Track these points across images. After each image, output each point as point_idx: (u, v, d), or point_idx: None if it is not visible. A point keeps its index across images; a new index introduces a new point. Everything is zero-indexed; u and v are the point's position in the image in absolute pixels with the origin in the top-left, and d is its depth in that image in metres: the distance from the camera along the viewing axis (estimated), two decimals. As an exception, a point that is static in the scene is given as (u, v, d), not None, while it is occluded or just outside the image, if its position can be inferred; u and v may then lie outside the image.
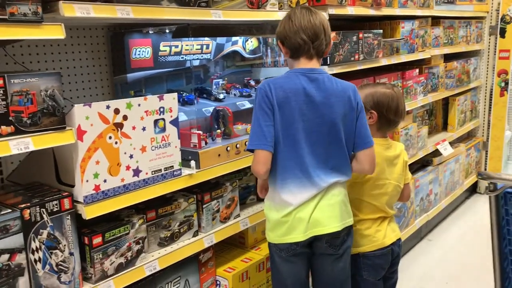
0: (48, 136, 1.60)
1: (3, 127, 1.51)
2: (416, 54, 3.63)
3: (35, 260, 1.61)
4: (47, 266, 1.65)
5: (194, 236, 2.22)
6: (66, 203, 1.68)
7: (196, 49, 2.57)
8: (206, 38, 2.58)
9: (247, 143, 2.30)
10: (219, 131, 2.36)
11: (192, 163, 2.10)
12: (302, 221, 1.93)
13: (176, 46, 2.50)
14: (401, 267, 2.42)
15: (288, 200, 1.93)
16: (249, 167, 2.47)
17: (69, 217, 1.70)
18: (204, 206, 2.24)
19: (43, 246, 1.63)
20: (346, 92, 1.95)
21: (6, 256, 1.53)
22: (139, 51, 2.44)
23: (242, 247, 2.66)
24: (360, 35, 2.94)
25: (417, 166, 4.08)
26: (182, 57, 2.53)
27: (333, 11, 2.63)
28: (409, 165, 3.69)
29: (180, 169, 2.05)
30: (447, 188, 4.37)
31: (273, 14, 2.46)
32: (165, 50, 2.48)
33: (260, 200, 2.61)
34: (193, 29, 2.26)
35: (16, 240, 1.56)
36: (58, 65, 2.23)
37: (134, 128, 1.86)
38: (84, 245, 1.78)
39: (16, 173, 2.02)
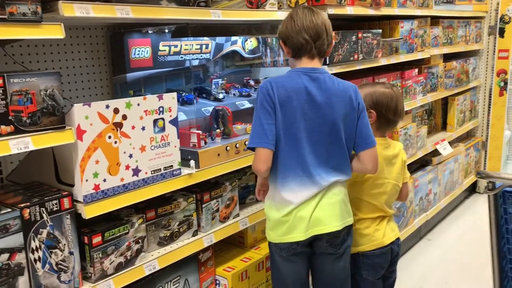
0: (48, 135, 1.61)
1: (2, 126, 1.51)
2: (415, 54, 3.63)
3: (35, 260, 1.62)
4: (47, 266, 1.66)
5: (193, 235, 2.22)
6: (66, 202, 1.69)
7: (196, 49, 2.57)
8: (206, 38, 2.59)
9: (246, 142, 2.31)
10: (218, 130, 2.36)
11: (192, 162, 2.10)
12: (303, 220, 1.93)
13: (176, 46, 2.50)
14: (400, 266, 2.43)
15: (289, 198, 1.93)
16: (248, 167, 2.48)
17: (68, 216, 1.70)
18: (203, 205, 2.24)
19: (43, 246, 1.63)
20: (347, 92, 1.95)
21: (6, 255, 1.54)
22: (139, 51, 2.44)
23: (242, 247, 2.66)
24: (359, 35, 2.95)
25: (417, 166, 4.08)
26: (181, 57, 2.54)
27: (332, 11, 2.63)
28: (409, 164, 3.71)
29: (179, 169, 2.06)
30: (446, 188, 4.38)
31: (273, 13, 2.46)
32: (165, 50, 2.49)
33: (259, 200, 2.61)
34: (193, 29, 2.26)
35: (16, 240, 1.56)
36: (57, 64, 2.24)
37: (133, 127, 1.86)
38: (84, 244, 1.78)
39: (15, 172, 2.02)
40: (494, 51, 4.85)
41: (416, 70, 3.72)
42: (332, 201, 1.97)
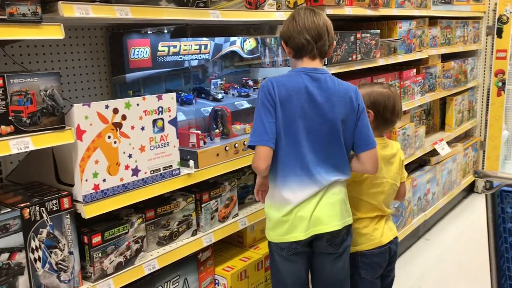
0: (48, 135, 1.61)
1: (2, 126, 1.52)
2: (413, 54, 3.64)
3: (34, 259, 1.62)
4: (47, 265, 1.66)
5: (192, 235, 2.23)
6: (66, 202, 1.69)
7: (195, 49, 2.58)
8: (205, 38, 2.59)
9: (245, 142, 2.32)
10: (217, 130, 2.37)
11: (191, 162, 2.11)
12: (303, 219, 1.94)
13: (175, 46, 2.51)
14: (398, 266, 2.44)
15: (288, 197, 1.94)
16: (247, 167, 2.49)
17: (68, 216, 1.71)
18: (202, 205, 2.25)
19: (42, 245, 1.64)
20: (348, 92, 1.97)
21: (6, 255, 1.54)
22: (138, 51, 2.45)
23: (241, 246, 2.67)
24: (358, 35, 2.96)
25: (415, 166, 4.09)
26: (180, 57, 2.54)
27: (331, 11, 2.64)
28: (407, 164, 3.72)
29: (178, 169, 2.06)
30: (444, 188, 4.39)
31: (271, 14, 2.47)
32: (164, 50, 2.49)
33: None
34: (192, 29, 2.27)
35: (16, 239, 1.57)
36: (56, 65, 2.24)
37: (133, 127, 1.87)
38: (84, 244, 1.79)
39: (15, 172, 2.03)
40: (492, 51, 4.86)
41: (414, 70, 3.73)
42: (332, 200, 1.97)
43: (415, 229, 3.88)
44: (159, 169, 1.98)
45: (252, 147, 1.93)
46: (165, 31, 2.42)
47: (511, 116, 5.42)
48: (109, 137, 1.79)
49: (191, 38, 2.51)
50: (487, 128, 4.99)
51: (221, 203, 2.35)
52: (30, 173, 1.92)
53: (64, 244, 1.71)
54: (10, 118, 1.53)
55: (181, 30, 2.30)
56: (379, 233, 2.19)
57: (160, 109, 1.95)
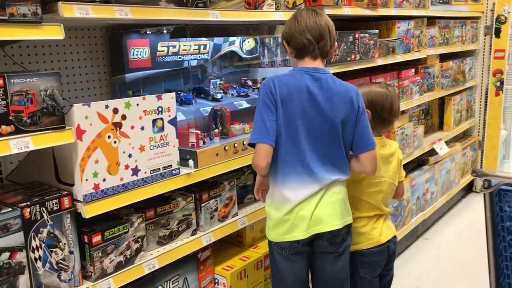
0: (48, 135, 1.62)
1: (3, 126, 1.52)
2: (411, 54, 3.66)
3: (35, 259, 1.63)
4: (47, 264, 1.67)
5: (192, 234, 2.23)
6: (66, 202, 1.70)
7: (194, 49, 2.58)
8: (204, 39, 2.60)
9: (245, 142, 2.33)
10: (217, 130, 2.38)
11: (190, 162, 2.12)
12: (304, 219, 1.95)
13: (174, 47, 2.52)
14: (397, 266, 2.45)
15: (289, 196, 1.95)
16: (246, 167, 2.50)
17: (68, 215, 1.71)
18: (202, 205, 2.26)
19: (43, 245, 1.65)
20: (348, 93, 1.98)
21: (7, 254, 1.55)
22: (137, 51, 2.45)
23: (240, 246, 2.68)
24: (356, 35, 2.97)
25: (413, 165, 4.10)
26: (179, 57, 2.55)
27: (330, 11, 2.65)
28: (406, 164, 3.73)
29: (178, 168, 2.07)
30: (443, 187, 4.40)
31: (270, 14, 2.48)
32: (163, 51, 2.50)
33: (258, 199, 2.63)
34: (191, 30, 2.27)
35: (16, 239, 1.57)
36: (56, 65, 2.25)
37: (132, 127, 1.87)
38: (84, 243, 1.79)
39: (15, 172, 2.03)
40: (490, 51, 4.88)
41: (413, 70, 3.74)
42: (332, 199, 1.98)
43: (413, 229, 3.89)
44: (159, 168, 1.99)
45: (252, 145, 1.93)
46: (165, 31, 2.43)
47: (509, 115, 5.43)
48: (109, 137, 1.79)
49: (190, 38, 2.51)
50: (485, 127, 5.01)
51: (220, 202, 2.36)
52: (30, 173, 1.93)
53: (65, 244, 1.71)
54: (10, 118, 1.54)
55: (181, 30, 2.30)
56: (378, 232, 2.20)
57: (160, 109, 1.96)
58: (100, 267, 1.82)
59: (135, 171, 1.90)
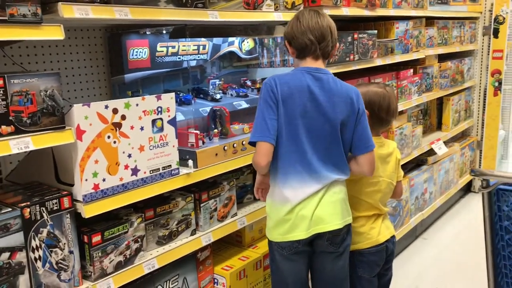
0: (48, 135, 1.62)
1: (3, 126, 1.53)
2: (410, 54, 3.66)
3: (35, 258, 1.63)
4: (47, 264, 1.67)
5: (192, 234, 2.24)
6: (66, 202, 1.70)
7: (193, 49, 2.59)
8: (203, 39, 2.60)
9: (244, 142, 2.34)
10: (216, 130, 2.38)
11: (190, 162, 2.12)
12: (305, 218, 1.95)
13: (173, 47, 2.52)
14: (396, 265, 2.45)
15: (289, 195, 1.95)
16: (246, 167, 2.50)
17: (68, 215, 1.71)
18: (201, 205, 2.26)
19: (43, 245, 1.65)
20: (349, 94, 1.98)
21: (7, 254, 1.55)
22: (136, 51, 2.46)
23: (239, 246, 2.68)
24: (355, 36, 2.98)
25: (412, 165, 4.11)
26: (179, 58, 2.55)
27: (328, 11, 2.65)
28: (404, 164, 3.74)
29: (178, 168, 2.07)
30: (441, 187, 4.41)
31: (269, 15, 2.49)
32: (162, 51, 2.50)
33: (257, 199, 2.63)
34: (190, 30, 2.28)
35: (16, 239, 1.57)
36: (56, 65, 2.25)
37: (132, 127, 1.88)
38: (84, 243, 1.79)
39: (15, 173, 2.03)
40: (489, 52, 4.89)
41: (411, 70, 3.75)
42: (333, 199, 1.99)
43: (412, 229, 3.90)
44: (158, 168, 1.99)
45: (253, 144, 1.94)
46: (164, 31, 2.43)
47: (508, 115, 5.45)
48: (108, 137, 1.80)
49: (189, 39, 2.52)
50: (483, 127, 5.01)
51: (220, 202, 2.36)
52: (30, 173, 1.93)
53: (64, 244, 1.71)
54: (10, 118, 1.54)
55: (180, 31, 2.31)
56: (376, 232, 2.21)
57: (159, 109, 1.97)
58: (100, 267, 1.82)
59: (135, 171, 1.90)
